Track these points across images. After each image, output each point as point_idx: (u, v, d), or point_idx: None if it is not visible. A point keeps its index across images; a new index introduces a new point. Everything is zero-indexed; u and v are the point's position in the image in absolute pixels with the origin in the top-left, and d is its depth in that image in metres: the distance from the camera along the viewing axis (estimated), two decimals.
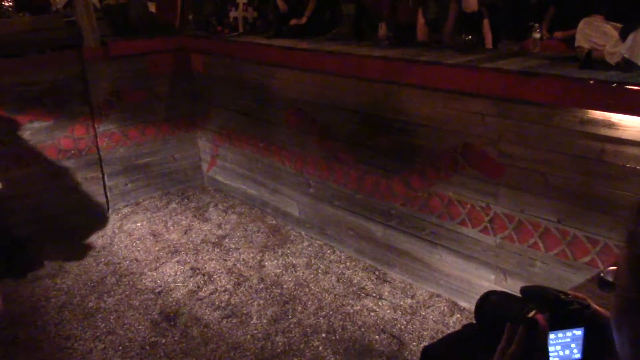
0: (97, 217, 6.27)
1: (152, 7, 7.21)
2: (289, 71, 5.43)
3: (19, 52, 5.93)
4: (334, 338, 4.23)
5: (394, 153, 4.65)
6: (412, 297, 4.68)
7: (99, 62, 6.23)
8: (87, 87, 6.19)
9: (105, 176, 6.43)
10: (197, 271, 5.19)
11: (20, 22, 6.24)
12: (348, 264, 5.19)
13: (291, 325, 4.40)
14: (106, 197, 6.47)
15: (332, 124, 5.10)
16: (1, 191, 5.06)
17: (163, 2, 7.15)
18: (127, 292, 4.94)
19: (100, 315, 4.62)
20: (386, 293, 4.74)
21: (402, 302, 4.61)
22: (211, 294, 4.85)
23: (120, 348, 4.24)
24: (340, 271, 5.08)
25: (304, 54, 5.16)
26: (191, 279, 5.07)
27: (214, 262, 5.33)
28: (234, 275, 5.10)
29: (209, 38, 6.46)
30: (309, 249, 5.46)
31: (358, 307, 4.57)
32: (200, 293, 4.87)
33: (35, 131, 5.94)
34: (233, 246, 5.60)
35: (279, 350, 4.15)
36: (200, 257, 5.42)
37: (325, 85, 5.07)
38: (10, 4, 6.77)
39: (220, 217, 6.21)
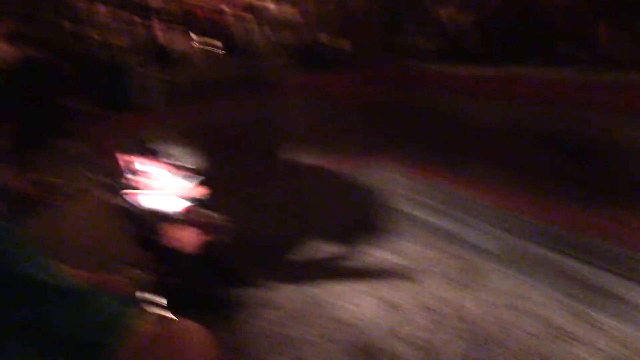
0: (292, 244, 6.48)
1: (341, 41, 7.38)
2: (481, 100, 5.26)
3: (221, 92, 6.40)
4: None
5: (602, 185, 4.26)
6: (626, 345, 4.21)
7: (291, 97, 6.50)
8: (281, 123, 6.48)
9: (303, 207, 6.65)
10: (397, 308, 5.13)
11: (223, 64, 6.73)
12: (553, 305, 4.81)
13: None
14: (305, 227, 6.68)
15: (531, 154, 4.82)
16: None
17: (353, 34, 7.29)
18: (322, 323, 5.01)
19: (305, 348, 4.72)
20: (596, 340, 4.32)
21: (614, 351, 4.17)
22: (409, 332, 4.76)
23: None
24: (544, 313, 4.72)
25: (494, 81, 4.98)
26: (387, 315, 5.02)
27: (411, 299, 5.24)
28: (431, 313, 4.96)
29: (394, 67, 6.47)
30: (510, 288, 5.16)
31: (565, 354, 4.20)
32: (398, 330, 4.79)
33: (228, 166, 6.33)
34: (429, 282, 5.47)
35: None
36: (396, 292, 5.36)
37: (525, 115, 4.82)
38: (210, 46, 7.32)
39: (415, 252, 6.12)
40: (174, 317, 4.22)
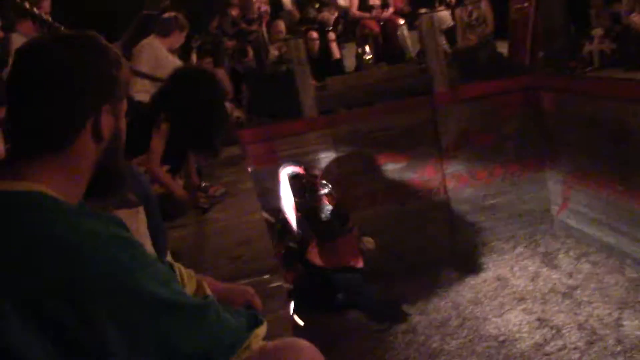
0: (444, 257, 6.39)
1: (501, 47, 7.17)
2: None
3: (376, 100, 6.49)
4: None
5: None
6: None
7: (448, 105, 6.43)
8: (437, 130, 6.44)
9: (453, 216, 6.56)
10: (544, 323, 4.88)
11: (379, 73, 6.82)
12: None
13: None
14: (453, 236, 6.58)
15: None
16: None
17: (515, 41, 7.05)
18: (471, 337, 4.90)
19: (443, 358, 4.67)
20: None
21: None
22: (559, 350, 4.51)
23: None
24: None
25: None
26: (537, 331, 4.79)
27: (563, 314, 4.95)
28: (585, 332, 4.65)
29: (561, 75, 6.14)
30: None
31: None
32: (547, 347, 4.56)
33: (388, 172, 6.39)
34: (586, 299, 5.12)
35: None
36: (548, 308, 5.09)
37: None
38: (370, 56, 7.43)
39: (571, 266, 5.76)
40: (301, 323, 4.36)
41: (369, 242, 5.48)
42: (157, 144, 3.16)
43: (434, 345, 4.88)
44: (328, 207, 5.51)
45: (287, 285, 5.25)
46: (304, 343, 1.31)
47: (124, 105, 1.26)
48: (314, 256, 5.53)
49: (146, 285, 1.07)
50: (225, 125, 3.62)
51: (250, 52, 7.30)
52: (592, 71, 5.72)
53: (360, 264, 5.50)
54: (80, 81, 1.12)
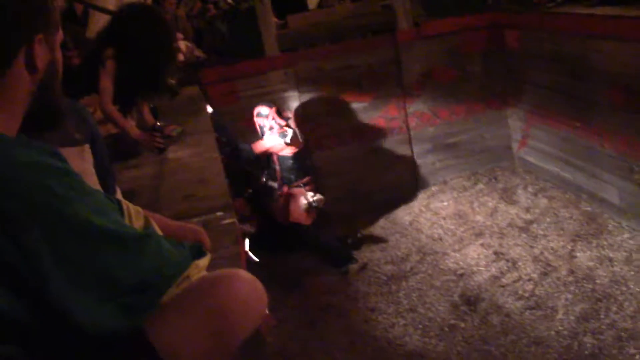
0: (406, 195, 6.48)
1: None
2: (614, 43, 4.85)
3: (340, 38, 6.41)
4: None
5: None
6: None
7: (411, 43, 6.39)
8: (400, 69, 6.42)
9: (415, 155, 6.62)
10: (501, 256, 5.03)
11: (342, 10, 6.71)
12: None
13: (603, 327, 3.98)
14: (415, 175, 6.65)
15: None
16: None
17: None
18: (430, 272, 5.03)
19: (403, 292, 4.80)
20: None
21: None
22: (515, 281, 4.66)
23: (420, 326, 4.35)
24: None
25: (632, 22, 4.55)
26: (494, 264, 4.94)
27: (519, 248, 5.10)
28: (540, 264, 4.81)
29: (524, 11, 6.12)
30: (630, 242, 4.85)
31: None
32: (503, 280, 4.71)
33: (352, 112, 6.38)
34: (541, 232, 5.28)
35: (586, 352, 3.80)
36: (505, 242, 5.24)
37: None
38: None
39: (529, 201, 5.90)
40: (255, 259, 4.40)
41: (319, 201, 5.42)
42: (106, 82, 3.11)
43: (394, 280, 5.00)
44: (287, 158, 5.53)
45: (250, 228, 5.29)
46: (243, 273, 1.32)
47: (60, 37, 1.22)
48: (272, 207, 5.58)
49: (83, 215, 1.06)
50: (172, 63, 3.57)
51: None
52: (555, 7, 5.72)
53: (308, 222, 5.49)
54: (12, 10, 1.08)
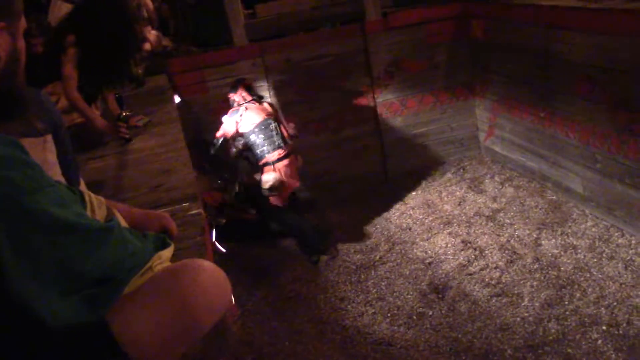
0: (375, 185, 6.52)
1: None
2: (576, 34, 4.93)
3: (309, 28, 6.39)
4: (616, 332, 3.81)
5: None
6: None
7: (380, 34, 6.41)
8: (369, 59, 6.43)
9: (384, 145, 6.65)
10: (469, 245, 5.09)
11: (311, 0, 6.69)
12: (639, 250, 4.59)
13: (567, 312, 4.07)
14: (384, 165, 6.69)
15: (626, 92, 4.51)
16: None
17: None
18: (399, 260, 5.07)
19: (372, 281, 4.84)
20: None
21: None
22: (482, 269, 4.73)
23: (388, 315, 4.39)
24: (629, 257, 4.52)
25: (595, 13, 4.63)
26: (462, 253, 5.00)
27: (486, 236, 5.17)
28: (506, 252, 4.89)
29: (490, 2, 6.18)
30: (593, 229, 4.96)
31: None
32: (470, 268, 4.78)
33: (321, 102, 6.38)
34: (508, 221, 5.36)
35: (551, 337, 3.88)
36: (473, 230, 5.31)
37: (620, 49, 4.49)
38: None
39: (496, 190, 5.98)
40: (222, 250, 4.38)
41: (274, 184, 5.37)
42: (69, 69, 3.06)
43: (363, 270, 5.03)
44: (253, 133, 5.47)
45: (220, 219, 5.26)
46: (206, 263, 1.31)
47: (23, 25, 1.19)
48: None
49: (43, 207, 1.04)
50: (135, 51, 3.52)
51: None
52: None
53: (279, 203, 5.47)
54: None
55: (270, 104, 5.69)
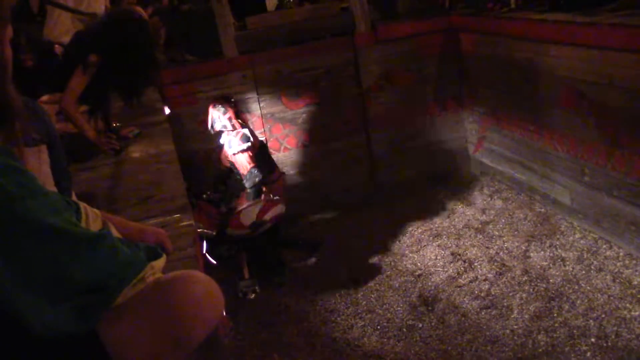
0: (365, 196, 6.52)
1: None
2: (564, 48, 4.98)
3: (299, 40, 6.42)
4: (605, 345, 3.82)
5: None
6: None
7: (369, 46, 6.44)
8: (359, 71, 6.46)
9: (373, 156, 6.66)
10: (458, 257, 5.11)
11: (301, 12, 6.72)
12: (627, 262, 4.61)
13: (556, 325, 4.08)
14: (373, 177, 6.70)
15: (613, 105, 4.56)
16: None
17: None
18: (388, 272, 5.08)
19: (361, 293, 4.83)
20: None
21: None
22: (471, 281, 4.74)
23: (378, 327, 4.38)
24: (617, 270, 4.54)
25: (582, 27, 4.68)
26: (451, 265, 5.01)
27: (475, 248, 5.19)
28: (496, 264, 4.90)
29: (479, 16, 6.23)
30: (581, 242, 4.99)
31: (638, 313, 4.05)
32: (459, 280, 4.79)
33: (311, 114, 6.40)
34: (497, 233, 5.38)
35: (540, 350, 3.89)
36: (462, 243, 5.32)
37: (607, 63, 4.54)
38: None
39: (485, 202, 6.01)
40: (213, 261, 4.35)
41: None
42: (78, 83, 3.11)
43: (353, 281, 5.02)
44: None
45: (209, 232, 5.22)
46: (199, 275, 1.31)
47: (9, 32, 1.19)
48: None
49: (35, 214, 1.03)
50: (156, 68, 3.63)
51: None
52: (508, 12, 5.84)
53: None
54: None
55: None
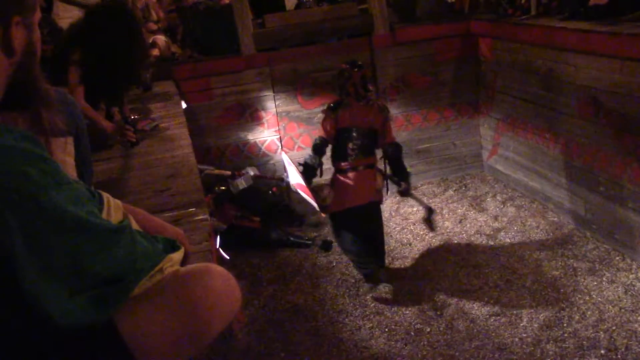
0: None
1: None
2: (583, 56, 4.94)
3: (317, 39, 6.42)
4: (614, 357, 3.79)
5: None
6: None
7: (387, 48, 6.43)
8: (375, 73, 6.45)
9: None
10: (469, 263, 5.08)
11: (319, 12, 6.72)
12: (639, 274, 4.58)
13: (565, 335, 4.05)
14: (385, 179, 6.67)
15: (632, 116, 4.52)
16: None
17: None
18: (398, 275, 5.05)
19: (370, 295, 4.81)
20: None
21: None
22: (481, 288, 4.71)
23: (386, 330, 4.36)
24: (629, 282, 4.51)
25: (602, 37, 4.64)
26: (461, 270, 4.98)
27: (485, 255, 5.16)
28: (506, 271, 4.87)
29: (498, 21, 6.20)
30: (594, 252, 4.95)
31: None
32: (469, 286, 4.76)
33: None
34: (509, 241, 5.35)
35: (549, 359, 3.86)
36: (473, 249, 5.29)
37: (626, 72, 4.50)
38: None
39: (497, 209, 5.98)
40: (225, 256, 4.36)
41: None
42: (73, 78, 3.11)
43: (362, 283, 5.00)
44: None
45: (221, 225, 5.24)
46: (218, 268, 1.30)
47: (38, 17, 1.18)
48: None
49: (58, 203, 1.03)
50: (143, 59, 3.58)
51: None
52: (528, 19, 5.81)
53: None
54: None
55: None
